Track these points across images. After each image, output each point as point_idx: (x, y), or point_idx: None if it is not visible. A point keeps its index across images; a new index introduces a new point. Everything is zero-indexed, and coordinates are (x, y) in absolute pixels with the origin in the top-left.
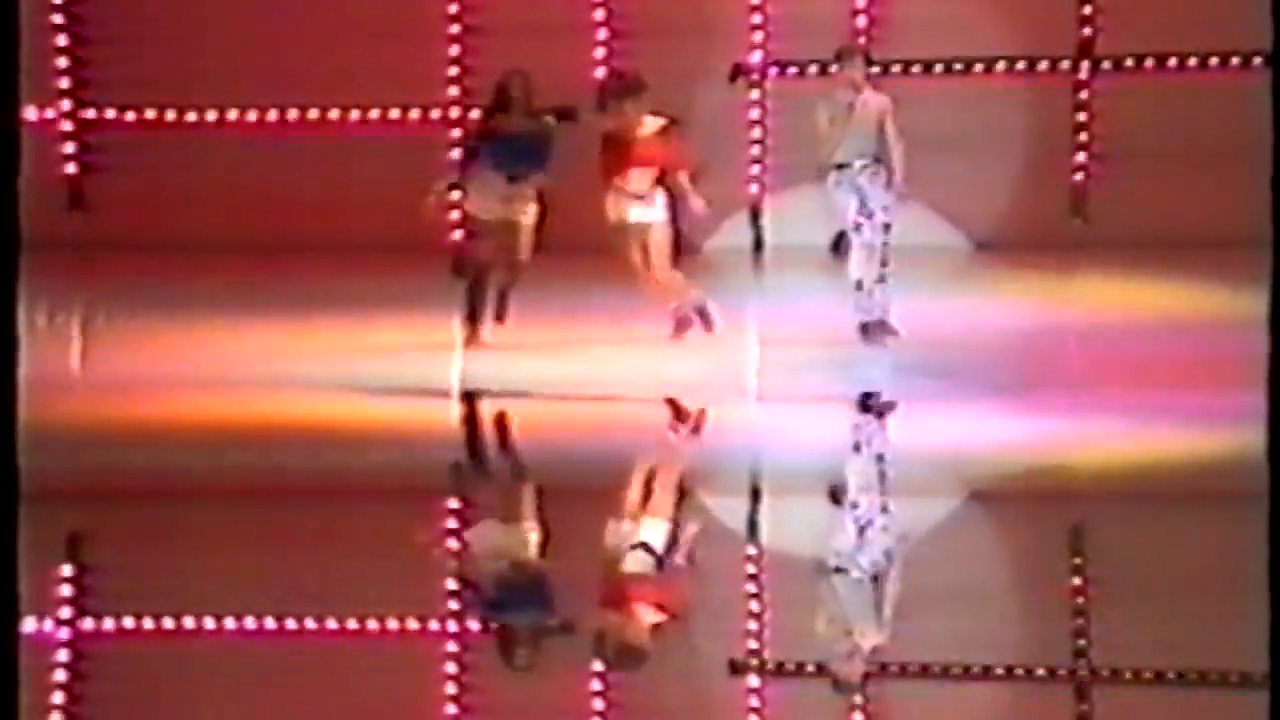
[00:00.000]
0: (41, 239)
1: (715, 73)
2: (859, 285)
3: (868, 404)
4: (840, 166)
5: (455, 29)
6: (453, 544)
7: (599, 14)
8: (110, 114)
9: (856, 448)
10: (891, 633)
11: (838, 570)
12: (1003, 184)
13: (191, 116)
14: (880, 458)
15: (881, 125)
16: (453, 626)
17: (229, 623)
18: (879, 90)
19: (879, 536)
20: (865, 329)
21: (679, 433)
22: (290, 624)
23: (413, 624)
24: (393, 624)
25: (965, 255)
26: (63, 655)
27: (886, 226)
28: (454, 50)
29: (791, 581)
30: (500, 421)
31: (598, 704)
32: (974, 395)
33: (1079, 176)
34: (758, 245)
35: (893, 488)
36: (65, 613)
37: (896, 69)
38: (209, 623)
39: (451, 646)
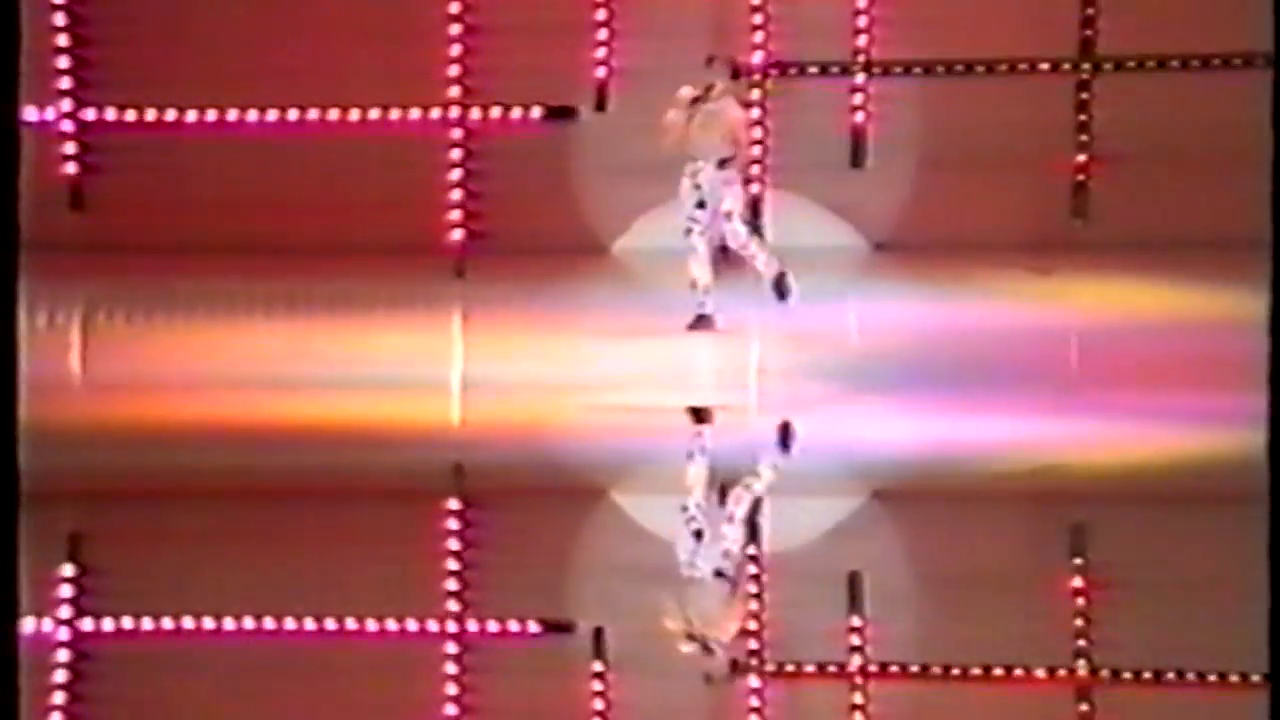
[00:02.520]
0: (41, 239)
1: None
2: (694, 285)
3: (700, 414)
4: (694, 164)
5: (455, 29)
6: (453, 544)
7: (599, 14)
8: (110, 114)
9: (690, 456)
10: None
11: (690, 573)
12: (1003, 184)
13: (191, 116)
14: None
15: (729, 133)
16: (452, 626)
17: (229, 623)
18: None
19: (724, 543)
20: (700, 320)
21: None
22: (290, 624)
23: (412, 624)
24: (392, 624)
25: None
26: (63, 655)
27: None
28: (454, 50)
29: (792, 581)
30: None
31: (598, 704)
32: (973, 395)
33: (1079, 176)
34: None
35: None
36: (65, 613)
37: (897, 69)
38: (209, 623)
39: (451, 646)
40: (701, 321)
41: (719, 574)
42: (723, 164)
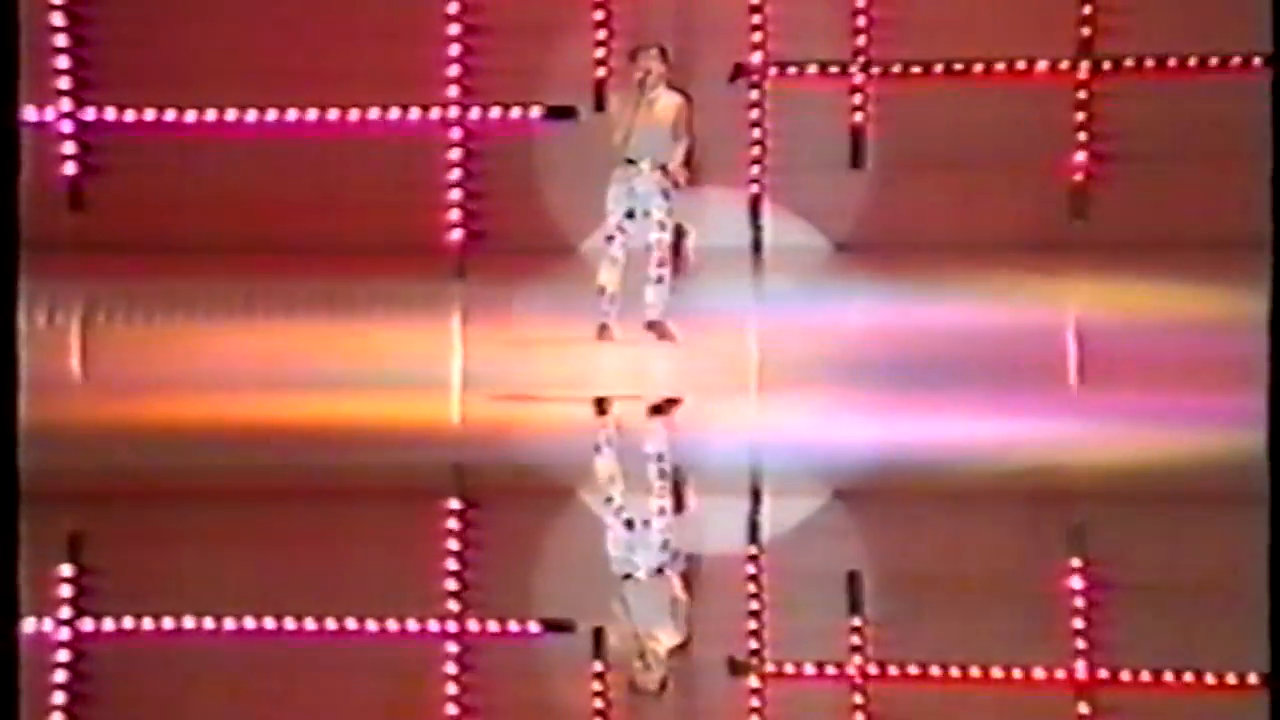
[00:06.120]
0: (41, 239)
1: (715, 73)
2: (601, 291)
3: (602, 406)
4: (630, 162)
5: (455, 29)
6: (453, 544)
7: (599, 14)
8: (110, 114)
9: (597, 449)
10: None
11: (626, 576)
12: (1003, 184)
13: (191, 116)
14: (660, 457)
15: (674, 124)
16: (453, 626)
17: (228, 623)
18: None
19: (657, 536)
20: (603, 330)
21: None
22: (290, 624)
23: (412, 624)
24: (392, 624)
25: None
26: (63, 655)
27: (679, 229)
28: (454, 50)
29: (791, 581)
30: None
31: (598, 704)
32: (973, 395)
33: (1079, 176)
34: (757, 245)
35: (681, 486)
36: (65, 613)
37: (897, 69)
38: (209, 623)
39: (451, 646)
40: (604, 331)
41: (658, 571)
42: (662, 169)
